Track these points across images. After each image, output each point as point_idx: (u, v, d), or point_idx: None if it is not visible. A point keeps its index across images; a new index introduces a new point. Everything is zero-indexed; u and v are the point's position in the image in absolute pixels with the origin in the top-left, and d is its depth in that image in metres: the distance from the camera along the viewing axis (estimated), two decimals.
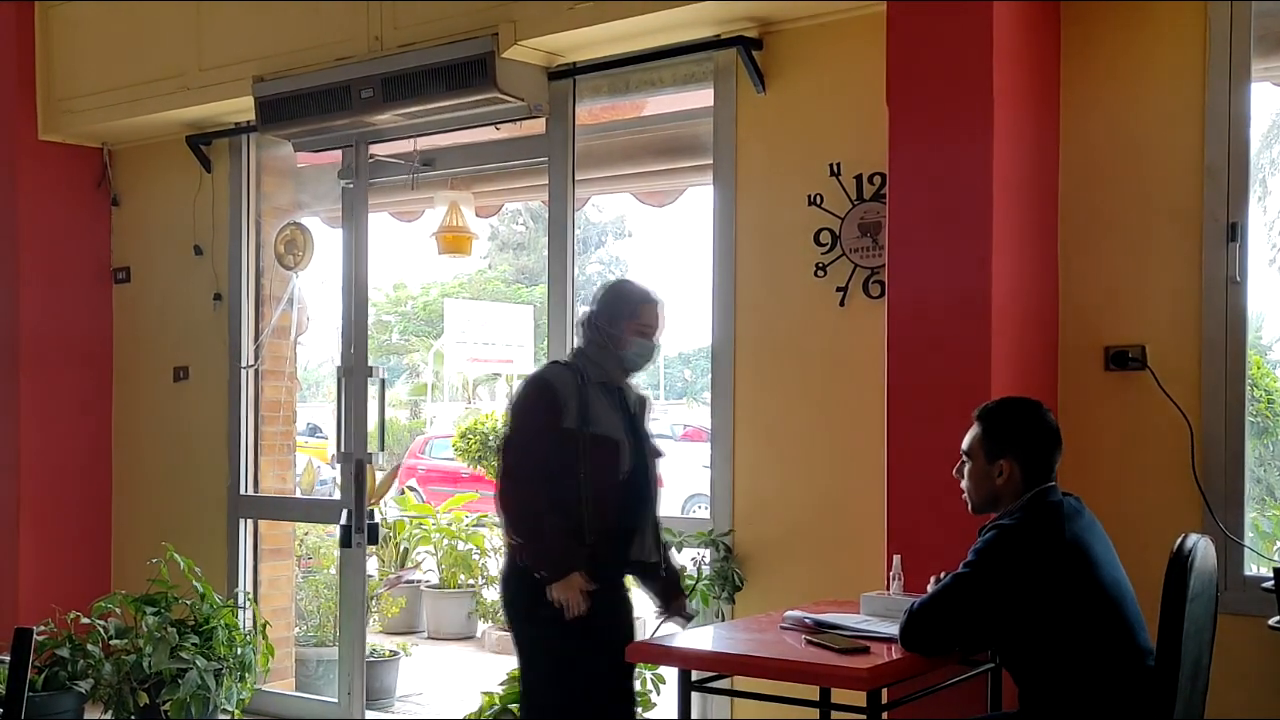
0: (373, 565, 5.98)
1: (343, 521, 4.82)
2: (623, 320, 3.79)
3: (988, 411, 3.33)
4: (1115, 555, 3.24)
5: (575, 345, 3.94)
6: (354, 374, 4.77)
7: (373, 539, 4.73)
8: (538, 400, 3.72)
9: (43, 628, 5.60)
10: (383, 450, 5.15)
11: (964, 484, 3.34)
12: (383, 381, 4.88)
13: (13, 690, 3.02)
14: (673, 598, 3.93)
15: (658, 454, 3.89)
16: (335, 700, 5.95)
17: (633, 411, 3.85)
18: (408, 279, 24.05)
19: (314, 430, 16.22)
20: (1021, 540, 3.11)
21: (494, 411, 11.39)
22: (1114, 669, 3.07)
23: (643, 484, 3.80)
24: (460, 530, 9.18)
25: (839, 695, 3.47)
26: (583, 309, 3.90)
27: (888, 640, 3.31)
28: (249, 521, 6.28)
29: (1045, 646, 3.11)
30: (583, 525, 3.66)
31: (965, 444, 3.33)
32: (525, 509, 3.67)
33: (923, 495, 3.81)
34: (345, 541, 4.73)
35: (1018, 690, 3.23)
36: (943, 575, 3.44)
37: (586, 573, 3.62)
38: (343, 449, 4.84)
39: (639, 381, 4.00)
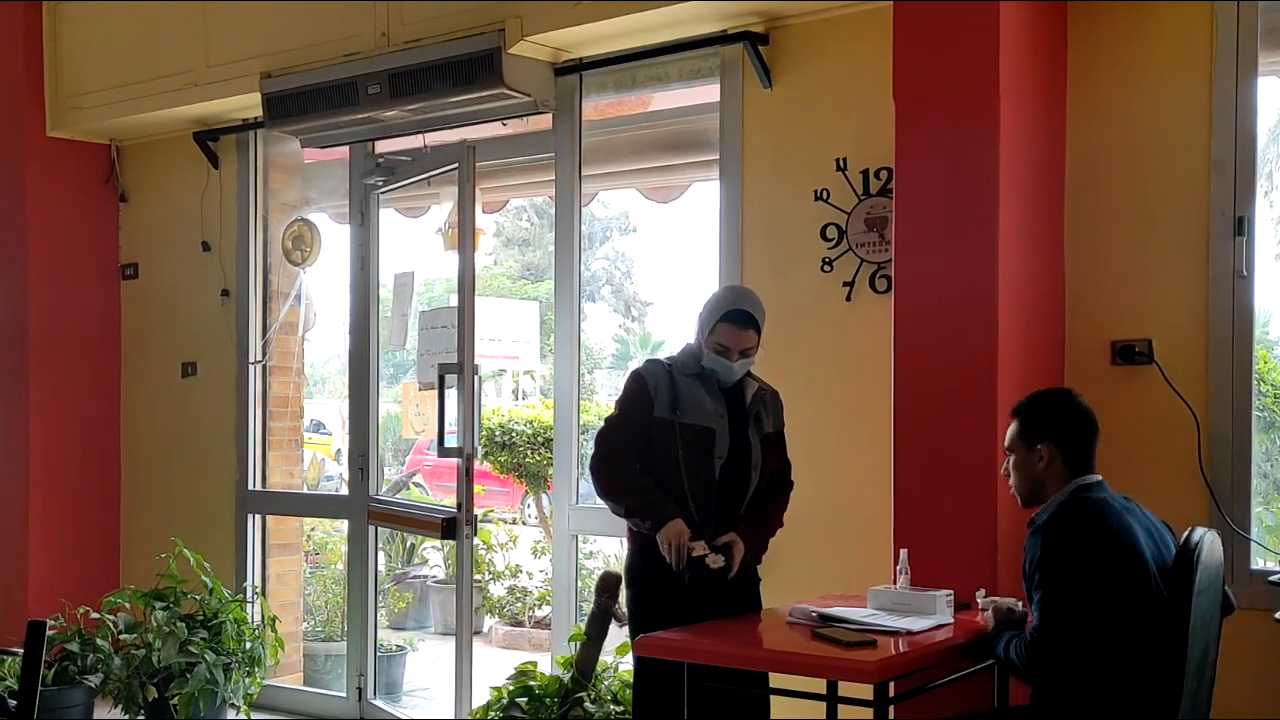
0: (381, 561, 5.99)
1: (448, 515, 4.92)
2: (703, 332, 3.87)
3: (1022, 406, 3.39)
4: (1161, 552, 3.19)
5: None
6: (463, 371, 4.85)
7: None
8: (629, 391, 3.89)
9: (52, 622, 5.60)
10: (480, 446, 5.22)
11: (1011, 481, 3.39)
12: (479, 380, 4.98)
13: (25, 683, 3.04)
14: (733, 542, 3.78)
15: (770, 443, 3.90)
16: (344, 695, 5.98)
17: (748, 405, 3.88)
18: (413, 275, 24.01)
19: (318, 426, 16.21)
20: (1066, 530, 3.10)
21: (499, 407, 11.35)
22: (1138, 670, 3.05)
23: (742, 469, 3.84)
24: None
25: (846, 689, 3.47)
26: None
27: (894, 634, 3.32)
28: (257, 516, 6.30)
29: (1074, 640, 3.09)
30: (688, 507, 3.76)
31: (1007, 441, 3.40)
32: (614, 473, 3.82)
33: (930, 489, 3.83)
34: (450, 534, 4.86)
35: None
36: (982, 591, 3.50)
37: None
38: (445, 445, 4.96)
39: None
